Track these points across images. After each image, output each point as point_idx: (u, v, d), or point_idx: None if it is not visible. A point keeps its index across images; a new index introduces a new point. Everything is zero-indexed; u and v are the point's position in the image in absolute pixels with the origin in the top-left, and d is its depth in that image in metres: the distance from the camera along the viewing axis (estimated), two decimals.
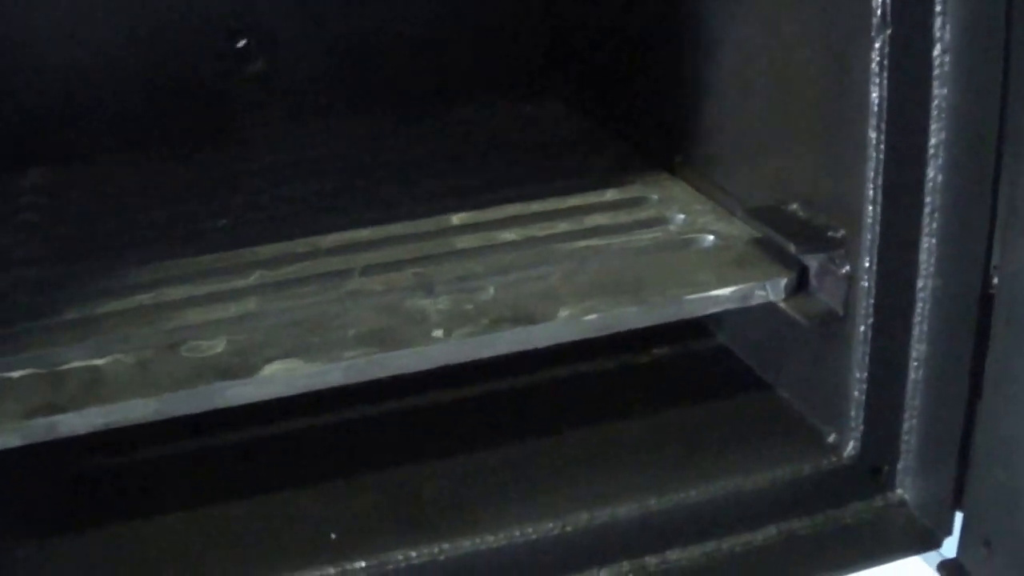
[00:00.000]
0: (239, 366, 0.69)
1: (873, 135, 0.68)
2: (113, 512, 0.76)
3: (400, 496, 0.76)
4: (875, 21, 0.66)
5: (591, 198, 0.91)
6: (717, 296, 0.76)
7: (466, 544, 0.71)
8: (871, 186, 0.69)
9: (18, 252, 0.90)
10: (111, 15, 1.10)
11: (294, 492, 0.77)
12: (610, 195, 0.92)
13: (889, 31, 0.65)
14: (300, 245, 0.86)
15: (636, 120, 1.04)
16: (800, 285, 0.77)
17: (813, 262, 0.76)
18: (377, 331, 0.73)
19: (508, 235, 0.85)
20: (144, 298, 0.79)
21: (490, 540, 0.72)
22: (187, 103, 1.13)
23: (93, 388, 0.68)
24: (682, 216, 0.87)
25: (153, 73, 1.12)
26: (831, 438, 0.78)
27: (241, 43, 1.14)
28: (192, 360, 0.71)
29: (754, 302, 0.77)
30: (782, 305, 0.77)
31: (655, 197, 0.91)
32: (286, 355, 0.70)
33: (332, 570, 0.70)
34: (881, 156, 0.68)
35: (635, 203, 0.90)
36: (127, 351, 0.72)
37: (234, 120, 1.16)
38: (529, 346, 0.73)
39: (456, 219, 0.89)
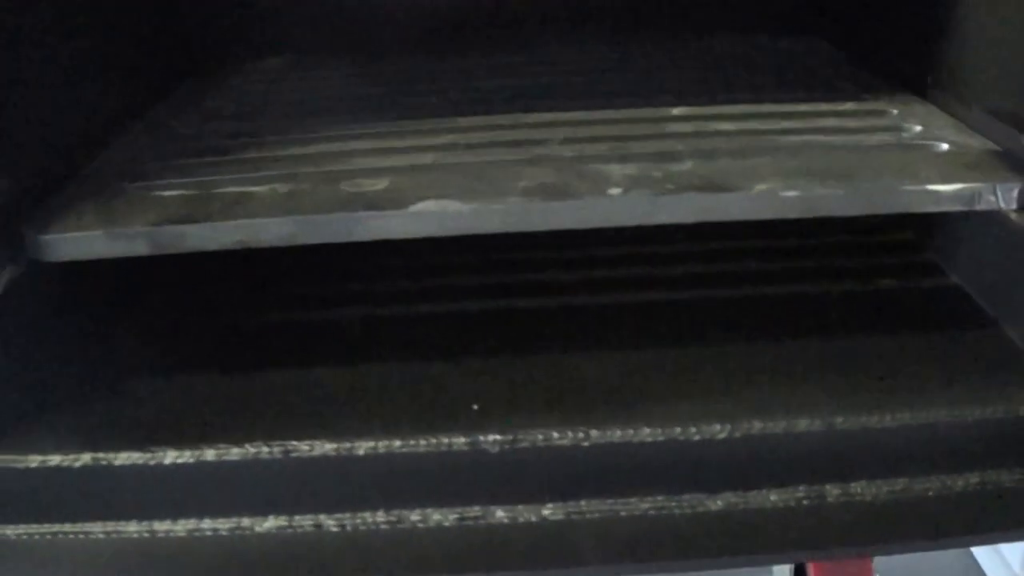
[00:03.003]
0: (390, 200, 0.63)
1: None
2: (264, 363, 0.72)
3: (558, 381, 0.68)
4: None
5: (824, 106, 0.80)
6: (938, 192, 0.63)
7: (616, 434, 0.62)
8: None
9: (228, 109, 0.89)
10: None
11: (448, 367, 0.70)
12: (848, 106, 0.80)
13: None
14: (504, 119, 0.79)
15: (889, 46, 0.91)
16: None
17: None
18: (550, 185, 0.65)
19: (725, 126, 0.76)
20: (327, 147, 0.75)
21: (645, 434, 0.62)
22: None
23: (235, 208, 0.64)
24: (920, 127, 0.74)
25: None
26: None
27: None
28: (346, 193, 0.65)
29: (981, 206, 0.63)
30: (1013, 216, 0.64)
31: (895, 111, 0.78)
32: (444, 196, 0.64)
33: (463, 439, 0.62)
34: None
35: (871, 113, 0.78)
36: (286, 182, 0.68)
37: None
38: (714, 216, 0.62)
39: (676, 111, 0.80)
